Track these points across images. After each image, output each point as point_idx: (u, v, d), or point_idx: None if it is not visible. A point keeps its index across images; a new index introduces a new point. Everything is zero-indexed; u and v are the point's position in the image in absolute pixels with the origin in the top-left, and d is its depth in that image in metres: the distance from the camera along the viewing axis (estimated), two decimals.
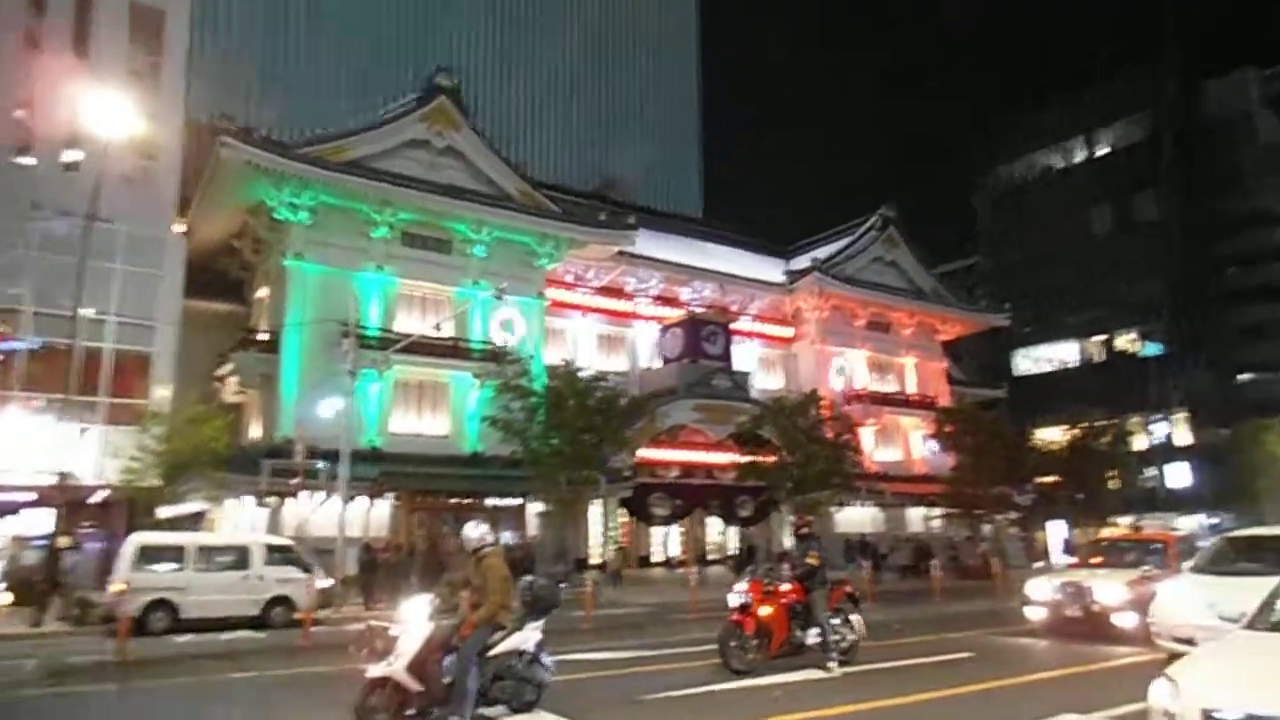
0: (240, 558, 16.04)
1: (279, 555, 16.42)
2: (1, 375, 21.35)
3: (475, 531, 7.12)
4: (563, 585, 24.66)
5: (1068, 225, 68.31)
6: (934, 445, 46.30)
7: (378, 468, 27.01)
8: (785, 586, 9.79)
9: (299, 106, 66.37)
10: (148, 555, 15.39)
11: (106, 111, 16.35)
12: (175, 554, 15.55)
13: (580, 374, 26.46)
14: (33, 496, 21.43)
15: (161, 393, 22.56)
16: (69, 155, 21.73)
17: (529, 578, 7.49)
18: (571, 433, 23.66)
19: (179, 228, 25.10)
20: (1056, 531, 45.79)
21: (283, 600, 15.97)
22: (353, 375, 22.21)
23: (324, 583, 16.93)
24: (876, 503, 41.44)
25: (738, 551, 36.80)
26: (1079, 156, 71.26)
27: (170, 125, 25.20)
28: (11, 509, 20.62)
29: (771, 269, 45.50)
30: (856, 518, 41.24)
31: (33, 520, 21.89)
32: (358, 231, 30.66)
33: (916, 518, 43.93)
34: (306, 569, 16.49)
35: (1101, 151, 70.26)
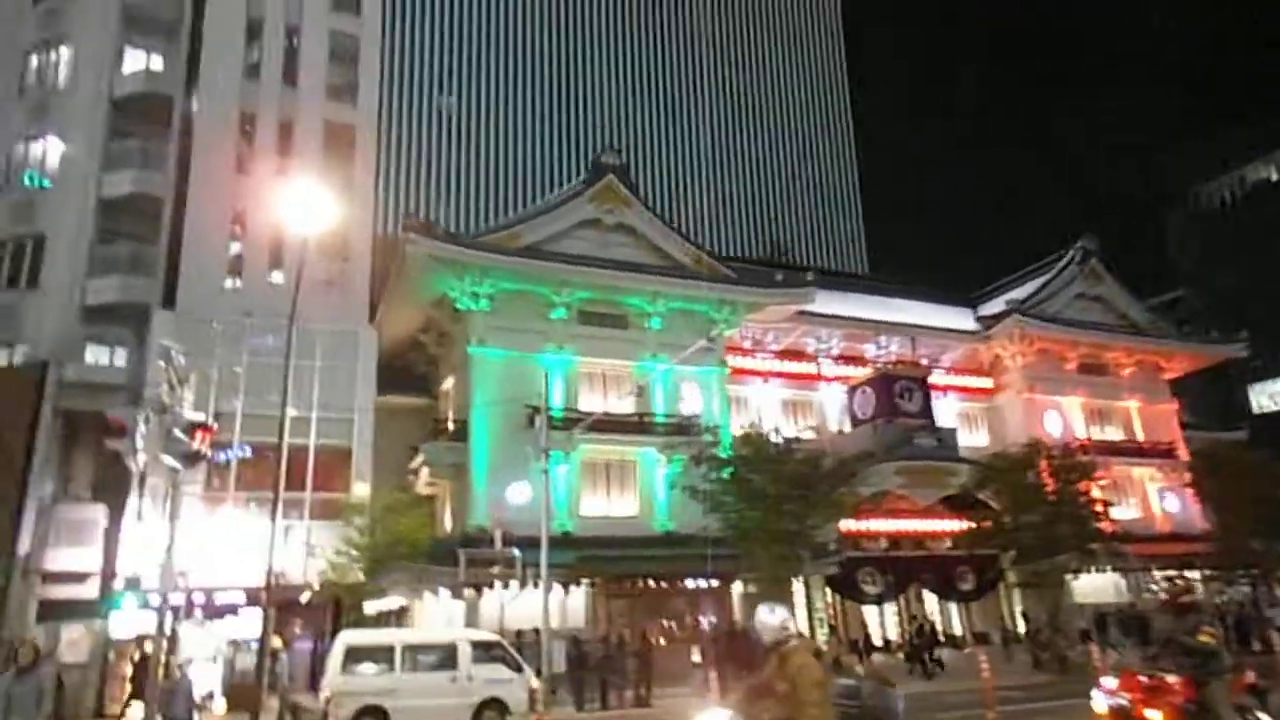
0: (447, 656, 15.00)
1: (486, 652, 15.26)
2: (216, 479, 21.99)
3: (773, 618, 5.28)
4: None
5: None
6: (1176, 498, 40.84)
7: (571, 553, 25.91)
8: (1171, 679, 7.33)
9: (470, 205, 70.03)
10: (356, 656, 14.62)
11: (307, 220, 16.36)
12: (383, 654, 14.70)
13: (770, 439, 24.44)
14: (242, 598, 21.74)
15: (361, 486, 22.53)
16: (276, 276, 22.89)
17: (845, 681, 5.59)
18: (772, 503, 21.54)
19: (370, 327, 25.52)
20: None
21: (494, 703, 14.72)
22: (546, 456, 21.22)
23: (534, 682, 15.58)
24: (1117, 567, 36.16)
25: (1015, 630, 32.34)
26: None
27: (362, 228, 26.16)
28: (229, 610, 20.83)
29: (959, 318, 42.08)
30: (1093, 586, 36.13)
31: (246, 622, 22.13)
32: (536, 314, 30.57)
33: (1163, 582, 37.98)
34: (517, 667, 15.20)
35: None
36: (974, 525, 30.93)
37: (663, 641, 25.12)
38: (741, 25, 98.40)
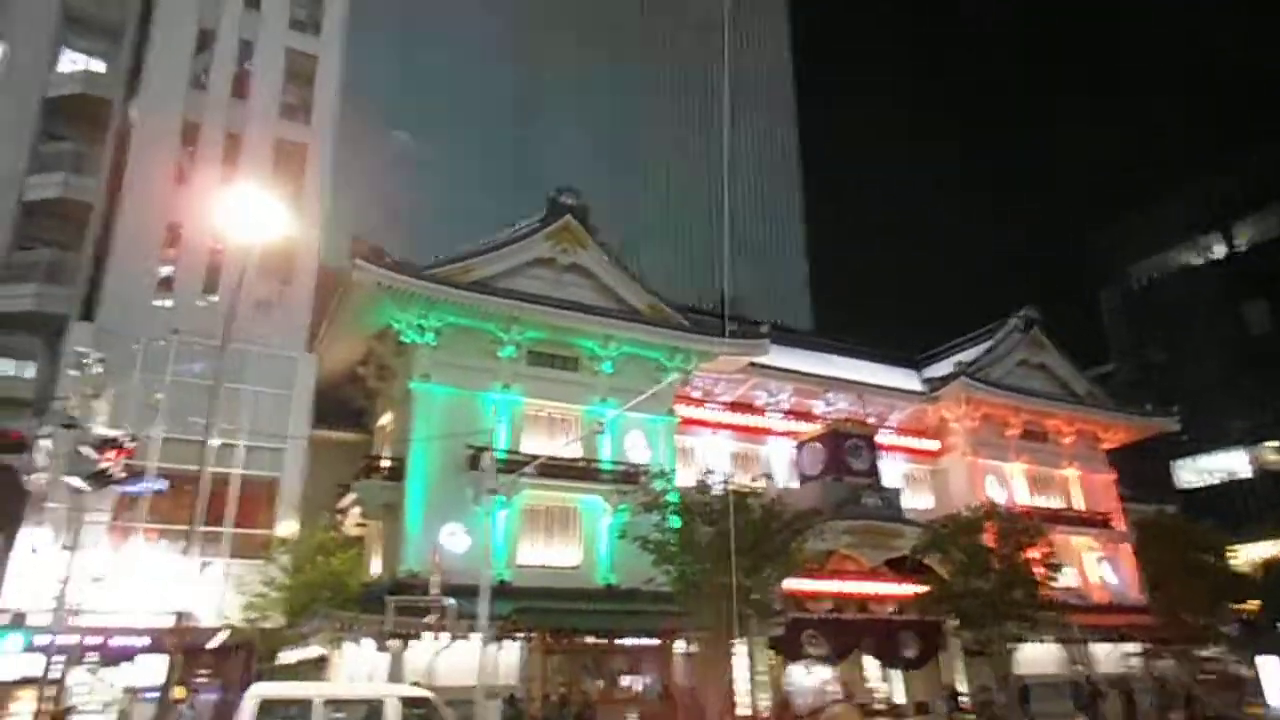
0: (373, 715, 13.55)
1: (417, 711, 13.86)
2: (125, 509, 20.20)
3: (810, 679, 4.38)
4: None
5: (1217, 324, 62.94)
6: (1113, 568, 41.27)
7: (508, 604, 24.49)
8: None
9: (419, 239, 68.77)
10: (269, 712, 13.08)
11: (250, 230, 15.29)
12: (300, 711, 13.20)
13: (725, 488, 23.65)
14: (144, 641, 19.80)
15: (289, 522, 20.90)
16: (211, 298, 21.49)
17: None
18: (725, 554, 20.56)
19: (310, 354, 24.13)
20: (1270, 668, 39.21)
21: None
22: (489, 498, 20.09)
23: None
24: (1059, 637, 36.01)
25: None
26: (1218, 251, 66.32)
27: (307, 250, 24.97)
28: (126, 655, 18.87)
29: (905, 379, 42.30)
30: (1034, 656, 35.87)
31: (146, 669, 20.14)
32: (484, 352, 29.50)
33: (1101, 655, 38.01)
34: None
35: (1243, 244, 65.28)
36: (921, 590, 30.46)
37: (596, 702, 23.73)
38: (696, 84, 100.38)
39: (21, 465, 11.44)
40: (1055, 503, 41.09)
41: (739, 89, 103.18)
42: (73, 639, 16.46)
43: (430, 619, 19.44)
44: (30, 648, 16.00)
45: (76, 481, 11.68)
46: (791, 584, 30.69)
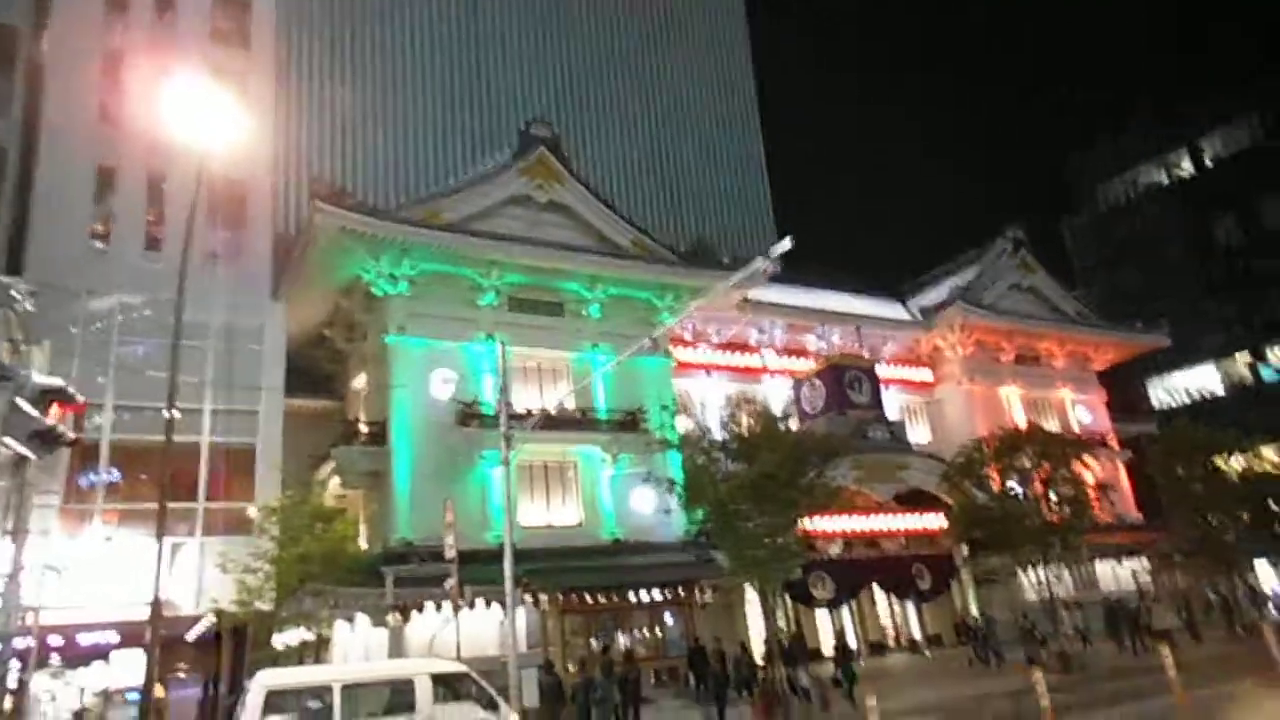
0: (402, 696, 11.57)
1: (452, 687, 11.90)
2: (80, 491, 17.71)
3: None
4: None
5: (1187, 241, 62.78)
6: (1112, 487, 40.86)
7: (524, 566, 22.57)
8: None
9: (380, 188, 65.35)
10: (279, 703, 11.02)
11: (197, 134, 12.85)
12: (317, 699, 11.15)
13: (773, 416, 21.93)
14: (115, 638, 17.48)
15: (270, 492, 18.55)
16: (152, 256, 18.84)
17: None
18: (764, 490, 18.79)
19: (277, 303, 21.58)
20: (1267, 573, 39.37)
21: None
22: (507, 444, 18.15)
23: None
24: (1067, 560, 35.33)
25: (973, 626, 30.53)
26: (1186, 168, 65.95)
27: (260, 190, 22.12)
28: (96, 654, 16.52)
29: (891, 310, 40.95)
30: (1043, 581, 35.20)
31: (119, 668, 17.86)
32: (462, 300, 27.19)
33: (1107, 575, 37.57)
34: (491, 704, 11.91)
35: (1209, 160, 64.97)
36: (939, 523, 29.36)
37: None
38: (653, 20, 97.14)
39: None
40: (1052, 426, 40.21)
41: (688, 19, 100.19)
42: (28, 641, 14.09)
43: (449, 584, 17.36)
44: None
45: (15, 446, 9.21)
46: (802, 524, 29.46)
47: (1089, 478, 27.30)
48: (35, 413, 9.55)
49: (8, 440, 9.33)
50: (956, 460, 27.06)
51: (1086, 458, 39.19)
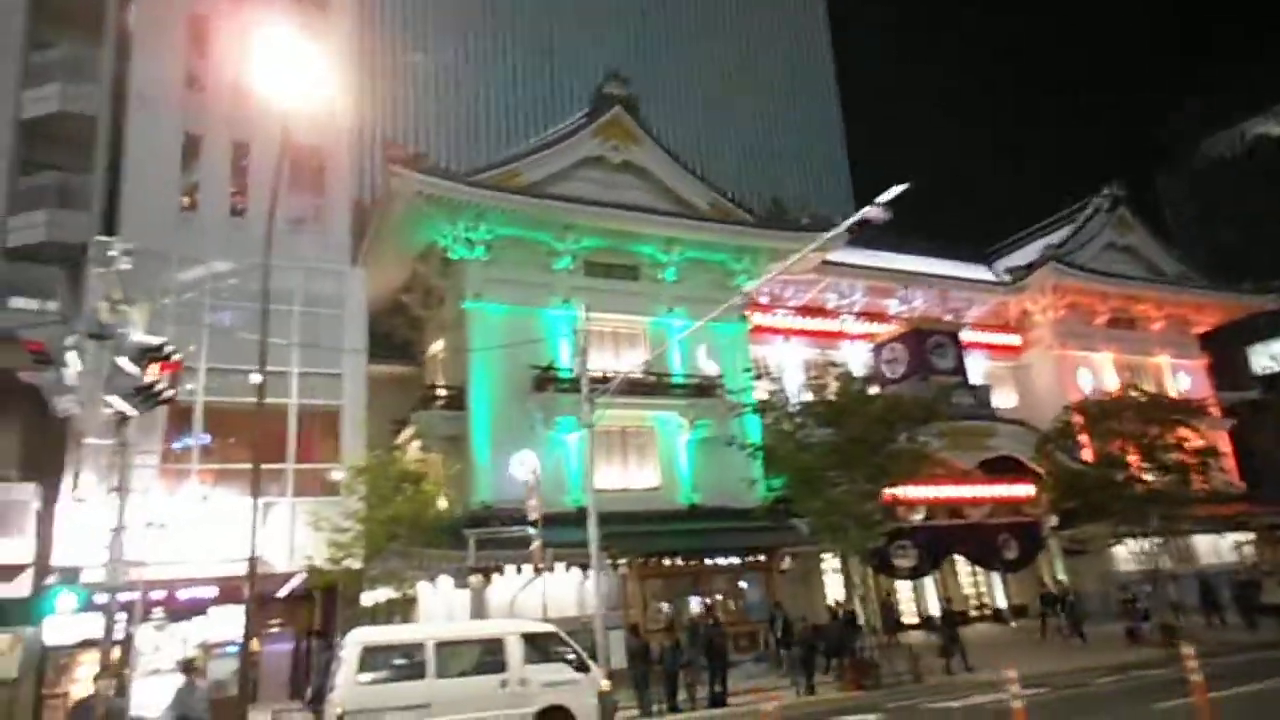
0: (493, 655, 11.52)
1: (542, 648, 11.81)
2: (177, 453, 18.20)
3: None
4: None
5: None
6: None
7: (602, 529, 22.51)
8: None
9: (454, 141, 65.88)
10: (375, 660, 11.08)
11: (283, 90, 12.75)
12: (410, 657, 11.17)
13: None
14: (213, 593, 18.01)
15: (355, 454, 18.77)
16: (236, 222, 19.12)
17: None
18: (855, 453, 18.20)
19: (357, 267, 21.74)
20: None
21: (556, 711, 11.30)
22: (590, 406, 18.03)
23: (604, 683, 12.14)
24: (1162, 531, 33.77)
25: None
26: None
27: (338, 158, 22.17)
28: (196, 609, 17.03)
29: (977, 273, 39.39)
30: (1132, 553, 33.77)
31: (217, 622, 18.41)
32: (539, 265, 27.03)
33: (1204, 547, 35.79)
34: (582, 665, 11.79)
35: None
36: (1028, 491, 28.27)
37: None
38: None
39: (48, 386, 9.08)
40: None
41: None
42: (134, 594, 14.54)
43: (535, 545, 17.33)
44: (87, 606, 14.11)
45: (118, 402, 9.26)
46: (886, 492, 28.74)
47: (1192, 446, 25.77)
48: (135, 369, 9.63)
49: (112, 398, 9.43)
50: (1055, 425, 25.88)
51: (1189, 425, 37.63)
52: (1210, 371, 41.76)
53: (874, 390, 25.55)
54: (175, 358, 10.17)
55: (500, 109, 77.56)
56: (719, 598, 24.42)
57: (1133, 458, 23.93)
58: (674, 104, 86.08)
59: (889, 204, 9.23)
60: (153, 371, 9.99)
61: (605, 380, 24.95)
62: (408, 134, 66.32)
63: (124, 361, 9.55)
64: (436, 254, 27.13)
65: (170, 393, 10.19)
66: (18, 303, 18.81)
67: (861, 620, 23.00)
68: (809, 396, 20.79)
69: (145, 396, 9.78)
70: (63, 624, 15.39)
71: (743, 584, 25.26)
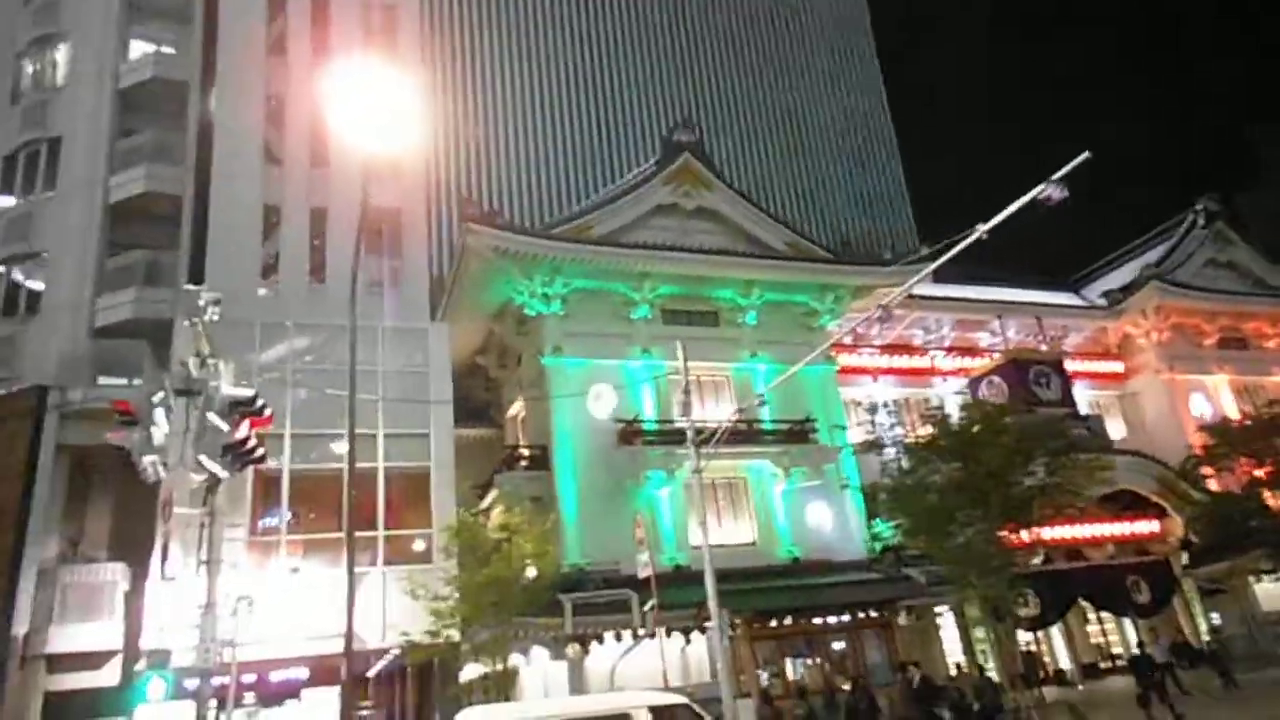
0: None
1: None
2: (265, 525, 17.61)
3: None
4: None
5: None
6: None
7: (688, 591, 21.11)
8: None
9: (522, 198, 66.93)
10: None
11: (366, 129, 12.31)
12: None
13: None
14: (305, 674, 17.16)
15: (445, 516, 17.92)
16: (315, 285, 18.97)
17: None
18: (971, 496, 16.61)
19: (440, 324, 21.31)
20: None
21: None
22: (697, 451, 16.84)
23: None
24: None
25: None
26: None
27: (416, 218, 21.97)
28: (289, 692, 16.15)
29: (1067, 299, 37.42)
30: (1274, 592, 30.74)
31: (310, 707, 17.51)
32: (615, 316, 26.33)
33: None
34: None
35: None
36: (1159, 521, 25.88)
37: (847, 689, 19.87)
38: (780, 35, 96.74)
39: (135, 446, 8.40)
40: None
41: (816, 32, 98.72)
42: (224, 678, 13.72)
43: (650, 608, 16.07)
44: (178, 694, 13.37)
45: (208, 463, 8.49)
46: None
47: None
48: (225, 426, 8.92)
49: (201, 458, 8.70)
50: (1189, 458, 23.75)
51: None
52: None
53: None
54: (267, 412, 9.42)
55: (568, 164, 79.05)
56: (832, 659, 22.62)
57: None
58: (734, 153, 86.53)
59: (1059, 187, 7.97)
60: (243, 429, 9.26)
61: (698, 431, 23.92)
62: (476, 193, 67.70)
63: (214, 417, 8.83)
64: (512, 312, 26.69)
65: (261, 451, 9.43)
66: (107, 381, 18.68)
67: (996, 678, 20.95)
68: (927, 429, 19.28)
69: (235, 455, 9.05)
70: (155, 713, 14.66)
71: (861, 642, 23.40)
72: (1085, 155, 7.84)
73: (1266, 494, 26.50)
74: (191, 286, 9.41)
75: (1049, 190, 7.93)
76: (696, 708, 10.80)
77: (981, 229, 9.34)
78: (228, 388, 9.03)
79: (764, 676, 20.59)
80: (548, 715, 10.31)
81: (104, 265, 19.87)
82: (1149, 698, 17.89)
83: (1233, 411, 34.29)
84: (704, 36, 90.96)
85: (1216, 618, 28.77)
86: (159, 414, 8.59)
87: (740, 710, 14.16)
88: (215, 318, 9.37)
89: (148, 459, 8.54)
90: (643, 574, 17.01)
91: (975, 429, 17.59)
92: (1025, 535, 23.32)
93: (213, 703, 12.96)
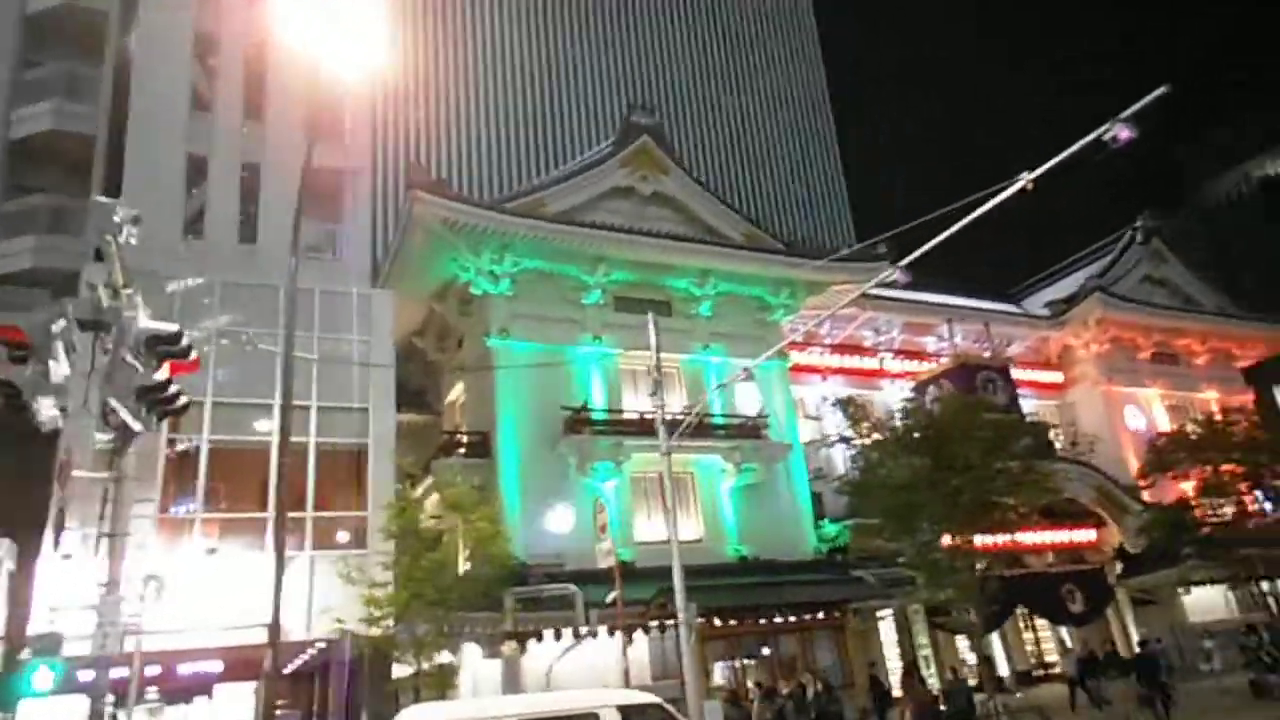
0: None
1: None
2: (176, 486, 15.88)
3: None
4: None
5: None
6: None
7: (634, 588, 20.04)
8: None
9: (472, 172, 65.01)
10: None
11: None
12: None
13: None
14: (218, 667, 15.49)
15: (384, 497, 16.45)
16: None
17: None
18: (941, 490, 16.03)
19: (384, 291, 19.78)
20: None
21: None
22: (667, 449, 15.76)
23: None
24: (1231, 577, 31.40)
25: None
26: None
27: (358, 182, 20.38)
28: (199, 688, 14.47)
29: (1009, 309, 37.82)
30: (1206, 602, 31.40)
31: (221, 705, 15.85)
32: (565, 299, 25.16)
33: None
34: None
35: None
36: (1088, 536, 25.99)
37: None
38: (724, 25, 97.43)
39: (28, 385, 6.89)
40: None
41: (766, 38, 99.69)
42: (125, 669, 12.07)
43: (615, 597, 14.95)
44: (69, 687, 11.69)
45: (122, 412, 7.06)
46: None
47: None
48: (142, 367, 7.49)
49: (111, 401, 7.26)
50: (1146, 462, 23.87)
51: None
52: (1257, 406, 39.99)
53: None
54: (193, 355, 8.01)
55: (521, 141, 77.43)
56: (783, 660, 21.89)
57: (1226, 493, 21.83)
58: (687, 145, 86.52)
59: (1128, 126, 7.25)
60: (163, 371, 7.81)
61: (643, 421, 22.94)
62: (427, 161, 65.62)
63: (128, 355, 7.38)
64: (456, 291, 25.25)
65: (184, 400, 8.00)
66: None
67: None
68: (895, 423, 18.67)
69: (152, 401, 7.59)
70: (40, 708, 12.84)
71: (812, 644, 22.76)
72: (1163, 89, 7.15)
73: (1201, 505, 26.96)
74: (105, 199, 7.94)
75: (1115, 129, 7.21)
76: (669, 708, 9.75)
77: (1027, 177, 8.57)
78: (145, 321, 7.60)
79: (718, 676, 19.68)
80: (508, 714, 9.12)
81: (0, 208, 17.77)
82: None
83: (1164, 424, 35.05)
84: (659, 22, 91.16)
85: (1143, 629, 29.08)
86: (58, 347, 7.09)
87: (707, 712, 13.15)
88: (133, 240, 7.92)
89: (44, 401, 7.04)
90: (604, 563, 15.92)
91: (952, 415, 17.03)
92: (991, 539, 23.18)
93: (110, 697, 11.34)
